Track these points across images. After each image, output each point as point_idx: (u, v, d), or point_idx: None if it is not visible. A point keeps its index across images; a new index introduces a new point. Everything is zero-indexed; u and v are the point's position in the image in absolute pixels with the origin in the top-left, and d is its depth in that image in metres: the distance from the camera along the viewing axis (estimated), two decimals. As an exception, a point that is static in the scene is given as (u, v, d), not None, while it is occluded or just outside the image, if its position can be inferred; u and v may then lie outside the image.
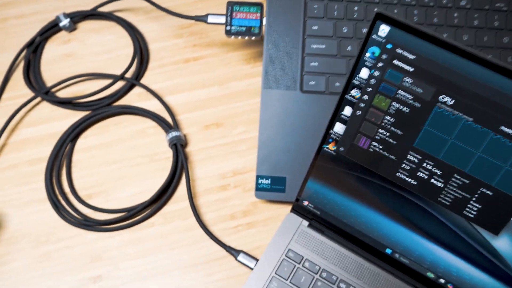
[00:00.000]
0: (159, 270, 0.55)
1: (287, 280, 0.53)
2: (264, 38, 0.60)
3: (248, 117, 0.64)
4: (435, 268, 0.51)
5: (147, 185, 0.60)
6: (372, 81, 0.47)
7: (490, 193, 0.46)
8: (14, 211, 0.58)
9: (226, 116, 0.64)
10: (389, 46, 0.45)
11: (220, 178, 0.60)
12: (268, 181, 0.58)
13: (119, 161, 0.61)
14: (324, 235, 0.55)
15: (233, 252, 0.55)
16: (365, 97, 0.48)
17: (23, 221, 0.58)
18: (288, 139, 0.58)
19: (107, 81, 0.66)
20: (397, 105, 0.47)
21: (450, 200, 0.48)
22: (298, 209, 0.56)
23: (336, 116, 0.50)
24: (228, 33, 0.60)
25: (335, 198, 0.53)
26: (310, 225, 0.56)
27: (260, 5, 0.60)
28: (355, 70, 0.47)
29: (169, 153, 0.61)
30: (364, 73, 0.47)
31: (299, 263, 0.54)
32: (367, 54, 0.46)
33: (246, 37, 0.60)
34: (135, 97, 0.65)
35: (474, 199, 0.47)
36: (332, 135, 0.51)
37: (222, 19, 0.61)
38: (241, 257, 0.55)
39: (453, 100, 0.45)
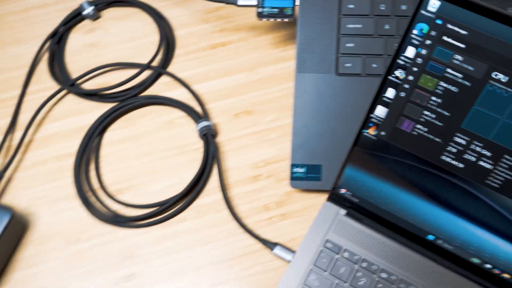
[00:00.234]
0: (193, 266, 0.53)
1: (326, 271, 0.50)
2: (298, 19, 0.56)
3: (279, 103, 0.61)
4: (481, 253, 0.48)
5: (178, 178, 0.57)
6: (419, 60, 0.44)
7: (545, 175, 0.43)
8: (42, 209, 0.57)
9: (256, 103, 0.61)
10: (439, 21, 0.42)
11: (252, 168, 0.58)
12: (303, 170, 0.55)
13: (148, 154, 0.59)
14: (363, 224, 0.52)
15: (269, 244, 0.52)
16: (410, 77, 0.45)
17: (52, 220, 0.56)
18: (324, 125, 0.55)
19: (133, 71, 0.64)
20: (445, 85, 0.44)
21: (499, 182, 0.45)
22: (335, 198, 0.53)
23: (377, 98, 0.47)
24: (260, 15, 0.57)
25: (374, 185, 0.50)
26: (347, 214, 0.53)
27: (291, -16, 0.57)
28: (400, 49, 0.44)
29: (199, 144, 0.59)
30: (410, 52, 0.44)
31: (338, 254, 0.51)
32: (414, 31, 0.43)
33: (279, 19, 0.57)
34: (162, 87, 0.62)
35: (526, 182, 0.44)
36: (372, 119, 0.48)
37: (254, 1, 0.58)
38: (277, 250, 0.52)
39: (508, 77, 0.41)
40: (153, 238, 0.55)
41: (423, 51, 0.43)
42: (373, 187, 0.51)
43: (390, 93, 0.46)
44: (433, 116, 0.45)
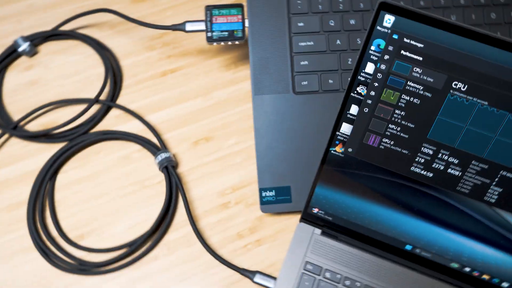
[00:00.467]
0: (170, 306, 0.51)
1: (309, 295, 0.50)
2: (249, 41, 0.55)
3: (238, 126, 0.60)
4: (459, 257, 0.49)
5: (142, 215, 0.55)
6: (379, 75, 0.44)
7: (511, 175, 0.44)
8: (-2, 264, 0.52)
9: (215, 129, 0.59)
10: (395, 36, 0.42)
11: (219, 196, 0.56)
12: (272, 193, 0.54)
13: (106, 194, 0.56)
14: (340, 241, 0.52)
15: (248, 274, 0.51)
16: (372, 93, 0.45)
17: (9, 277, 0.52)
18: (287, 145, 0.55)
19: (81, 107, 0.60)
20: (407, 98, 0.44)
21: (469, 187, 0.46)
22: (308, 218, 0.53)
23: (341, 116, 0.47)
24: (210, 40, 0.55)
25: (346, 201, 0.50)
26: (323, 233, 0.53)
27: (240, 6, 0.56)
28: (359, 66, 0.44)
29: (160, 177, 0.57)
30: (369, 68, 0.44)
31: (319, 275, 0.50)
32: (372, 48, 0.43)
33: (230, 43, 0.56)
34: (114, 120, 0.60)
35: (494, 183, 0.45)
36: (339, 137, 0.48)
37: (202, 26, 0.56)
38: (258, 278, 0.51)
39: (466, 86, 0.42)
40: (125, 282, 0.52)
41: (383, 66, 0.44)
42: (345, 204, 0.51)
43: (354, 109, 0.46)
44: (399, 129, 0.46)
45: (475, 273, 0.49)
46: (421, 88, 0.44)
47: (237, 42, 0.56)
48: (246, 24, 0.56)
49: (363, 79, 0.45)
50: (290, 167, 0.54)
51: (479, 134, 0.44)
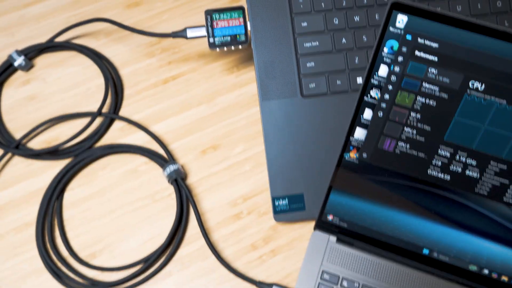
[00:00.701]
0: (188, 322, 0.50)
1: (327, 303, 0.49)
2: (252, 45, 0.54)
3: (245, 132, 0.58)
4: (477, 260, 0.48)
5: (154, 229, 0.54)
6: (393, 78, 0.43)
7: (531, 175, 0.43)
8: (10, 289, 0.51)
9: (222, 136, 0.58)
10: (408, 37, 0.41)
11: (231, 207, 0.55)
12: (285, 202, 0.53)
13: (116, 209, 0.55)
14: (356, 248, 0.51)
15: (265, 286, 0.50)
16: (386, 96, 0.44)
17: (24, 300, 0.51)
18: (298, 151, 0.53)
19: (83, 120, 0.59)
20: (423, 100, 0.43)
21: (488, 189, 0.45)
22: (322, 225, 0.52)
23: (355, 121, 0.45)
24: (213, 46, 0.54)
25: (361, 206, 0.49)
26: (338, 240, 0.52)
27: (241, 8, 0.54)
28: (372, 69, 0.43)
29: (170, 189, 0.55)
30: (383, 70, 0.43)
31: (337, 284, 0.50)
32: (385, 50, 0.42)
33: (233, 47, 0.54)
34: (118, 133, 0.58)
35: (514, 184, 0.44)
36: (353, 142, 0.46)
37: (203, 31, 0.54)
38: (275, 291, 0.50)
39: (484, 85, 0.41)
40: (140, 301, 0.51)
41: (397, 68, 0.43)
42: (361, 209, 0.49)
43: (368, 114, 0.45)
44: (414, 132, 0.45)
45: (494, 275, 0.48)
46: (437, 89, 0.42)
47: (240, 47, 0.54)
48: (249, 27, 0.54)
49: (377, 82, 0.43)
50: (302, 174, 0.53)
51: (498, 134, 0.43)
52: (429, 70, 0.42)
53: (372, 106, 0.45)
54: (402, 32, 0.41)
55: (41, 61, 0.61)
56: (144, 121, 0.58)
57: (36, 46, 0.60)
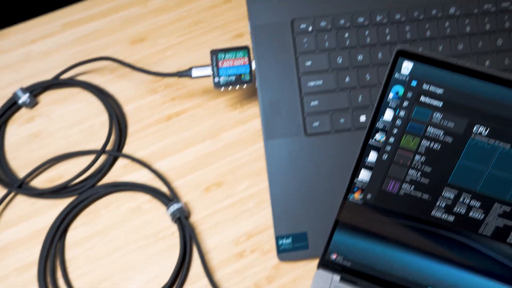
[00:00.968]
0: None
1: None
2: (257, 84, 0.54)
3: (249, 169, 0.58)
4: (482, 299, 0.48)
5: (158, 269, 0.53)
6: (398, 122, 0.43)
7: (535, 217, 0.43)
8: (12, 331, 0.51)
9: (226, 173, 0.58)
10: (414, 83, 0.41)
11: (234, 245, 0.55)
12: (289, 240, 0.53)
13: (120, 248, 0.54)
14: (359, 286, 0.51)
15: (270, 328, 0.50)
16: (391, 139, 0.44)
17: None
18: (302, 189, 0.53)
19: (86, 158, 0.59)
20: (428, 143, 0.43)
21: (492, 230, 0.45)
22: (326, 264, 0.51)
23: (360, 163, 0.46)
24: (218, 85, 0.54)
25: (366, 246, 0.49)
26: (342, 279, 0.51)
27: (246, 48, 0.54)
28: (377, 114, 0.43)
29: (173, 228, 0.55)
30: (388, 115, 0.43)
31: (342, 324, 0.49)
32: (390, 95, 0.42)
33: (238, 87, 0.54)
34: (121, 170, 0.58)
35: (518, 225, 0.44)
36: (357, 184, 0.46)
37: (208, 71, 0.55)
38: (279, 332, 0.50)
39: (488, 129, 0.41)
40: None
41: (402, 113, 0.43)
42: (365, 248, 0.49)
43: (372, 156, 0.45)
44: (419, 174, 0.45)
45: (502, 316, 0.48)
46: (442, 133, 0.42)
47: (245, 86, 0.55)
48: (253, 66, 0.55)
49: (382, 126, 0.44)
50: (306, 212, 0.53)
51: (502, 177, 0.43)
52: (434, 115, 0.42)
53: (377, 149, 0.45)
54: (408, 78, 0.41)
55: (46, 97, 0.61)
56: (148, 158, 0.58)
57: (41, 83, 0.60)
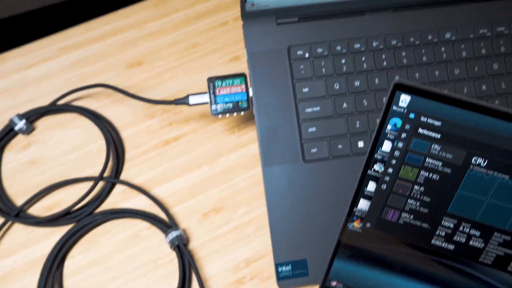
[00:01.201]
0: None
1: None
2: (254, 111, 0.54)
3: (247, 194, 0.58)
4: (482, 326, 0.48)
5: (157, 298, 0.53)
6: (396, 153, 0.43)
7: (535, 246, 0.43)
8: None
9: (224, 198, 0.58)
10: (411, 115, 0.42)
11: (233, 272, 0.54)
12: (288, 268, 0.53)
13: (118, 277, 0.54)
14: (359, 313, 0.51)
15: None
16: (390, 170, 0.44)
17: None
18: (301, 216, 0.53)
19: (84, 185, 0.58)
20: (426, 174, 0.43)
21: (492, 258, 0.45)
22: (326, 290, 0.52)
23: (359, 193, 0.46)
24: (215, 112, 0.54)
25: (365, 273, 0.49)
26: (342, 305, 0.51)
27: (243, 75, 0.54)
28: (376, 145, 0.43)
29: (172, 255, 0.55)
30: (386, 146, 0.43)
31: None
32: (388, 127, 0.42)
33: (235, 114, 0.54)
34: (120, 197, 0.58)
35: (518, 254, 0.45)
36: (356, 213, 0.47)
37: (205, 98, 0.55)
38: None
39: (486, 161, 0.42)
40: None
41: (400, 144, 0.43)
42: (364, 275, 0.49)
43: (371, 186, 0.45)
44: (418, 204, 0.45)
45: None
46: (440, 164, 0.43)
47: (242, 113, 0.55)
48: (250, 93, 0.55)
49: (380, 157, 0.44)
50: (305, 238, 0.53)
51: (501, 207, 0.43)
52: (432, 146, 0.42)
53: (375, 179, 0.45)
54: (405, 111, 0.41)
55: (42, 124, 0.61)
56: (145, 184, 0.58)
57: (37, 109, 0.60)
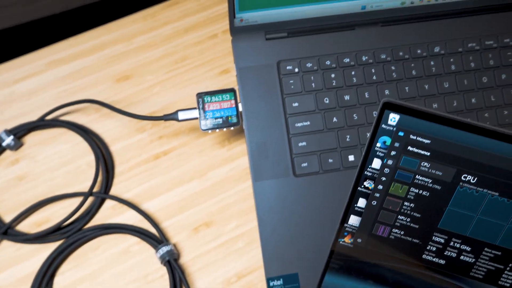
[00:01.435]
0: None
1: None
2: (244, 126, 0.54)
3: (238, 208, 0.58)
4: None
5: (148, 315, 0.53)
6: (386, 170, 0.44)
7: (524, 260, 0.44)
8: None
9: (214, 212, 0.58)
10: (401, 133, 0.42)
11: (224, 286, 0.54)
12: (280, 282, 0.53)
13: (109, 294, 0.54)
14: (351, 326, 0.51)
15: None
16: (380, 186, 0.44)
17: None
18: (292, 230, 0.53)
19: (73, 200, 0.58)
20: (416, 190, 0.44)
21: (483, 273, 0.46)
22: (318, 304, 0.52)
23: (349, 209, 0.46)
24: (205, 128, 0.54)
25: (357, 287, 0.49)
26: (334, 319, 0.51)
27: (232, 90, 0.55)
28: (365, 162, 0.44)
29: (163, 270, 0.55)
30: (376, 163, 0.43)
31: None
32: (378, 144, 0.43)
33: (225, 129, 0.54)
34: (109, 212, 0.58)
35: (508, 268, 0.45)
36: (347, 228, 0.47)
37: (195, 113, 0.55)
38: None
39: (476, 178, 0.42)
40: None
41: (389, 161, 0.43)
42: (356, 290, 0.50)
43: (361, 202, 0.46)
44: (408, 220, 0.45)
45: None
46: (430, 181, 0.43)
47: (232, 128, 0.55)
48: (240, 108, 0.55)
49: (370, 174, 0.44)
50: (296, 252, 0.53)
51: (491, 223, 0.44)
52: (422, 163, 0.43)
53: (366, 196, 0.45)
54: (394, 129, 0.42)
55: (30, 139, 0.61)
56: (136, 199, 0.58)
57: (25, 125, 0.60)
